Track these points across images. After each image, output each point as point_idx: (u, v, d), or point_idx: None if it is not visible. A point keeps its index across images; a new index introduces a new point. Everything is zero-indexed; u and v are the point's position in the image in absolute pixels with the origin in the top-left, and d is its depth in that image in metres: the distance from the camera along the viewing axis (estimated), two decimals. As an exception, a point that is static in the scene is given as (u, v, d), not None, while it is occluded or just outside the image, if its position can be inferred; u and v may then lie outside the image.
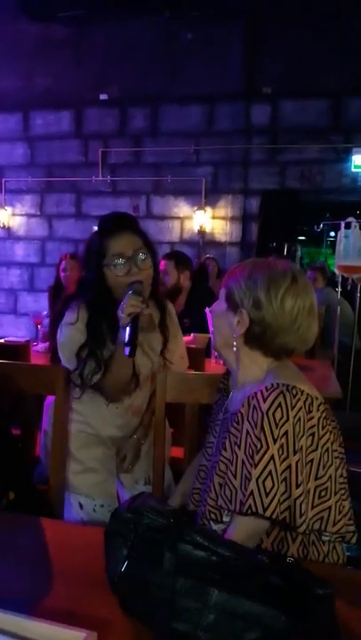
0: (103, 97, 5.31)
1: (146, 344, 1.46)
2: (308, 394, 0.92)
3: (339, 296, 4.20)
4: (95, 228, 1.43)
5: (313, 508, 0.92)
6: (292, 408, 0.88)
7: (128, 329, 1.25)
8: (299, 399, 0.90)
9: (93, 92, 5.32)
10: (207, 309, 1.42)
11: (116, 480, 1.53)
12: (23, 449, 1.56)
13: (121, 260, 1.33)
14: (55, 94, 5.39)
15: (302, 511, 0.88)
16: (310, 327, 0.98)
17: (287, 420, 0.88)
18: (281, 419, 0.88)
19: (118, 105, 5.32)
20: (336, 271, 4.09)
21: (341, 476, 0.96)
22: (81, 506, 1.44)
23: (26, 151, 5.62)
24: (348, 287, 4.08)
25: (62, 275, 3.35)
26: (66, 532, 1.05)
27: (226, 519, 0.98)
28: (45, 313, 3.23)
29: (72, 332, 1.37)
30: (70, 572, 0.87)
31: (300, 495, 0.88)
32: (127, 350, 1.24)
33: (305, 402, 0.90)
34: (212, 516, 1.00)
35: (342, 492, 0.95)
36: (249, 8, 4.79)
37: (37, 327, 3.07)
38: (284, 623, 0.69)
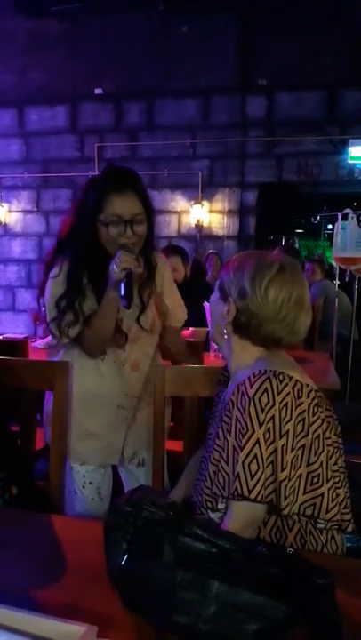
0: (98, 91, 5.28)
1: (136, 297, 1.44)
2: (297, 380, 0.93)
3: (337, 288, 4.20)
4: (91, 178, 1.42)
5: (305, 493, 0.93)
6: (279, 393, 0.90)
7: (123, 283, 1.27)
8: (286, 384, 0.91)
9: (88, 86, 5.29)
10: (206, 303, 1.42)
11: (118, 452, 1.50)
12: (22, 445, 1.56)
13: (117, 221, 1.33)
14: (50, 89, 5.36)
15: (287, 494, 0.90)
16: (298, 318, 0.98)
17: (273, 404, 0.89)
18: (267, 403, 0.89)
19: (114, 99, 5.29)
20: (334, 263, 4.09)
21: (336, 464, 0.97)
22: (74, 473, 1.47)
23: (21, 147, 5.59)
24: (346, 279, 4.08)
25: None
26: (66, 526, 1.05)
27: (221, 506, 0.99)
28: (44, 310, 3.22)
29: (54, 285, 1.39)
30: (70, 566, 0.87)
31: (286, 478, 0.89)
32: (124, 303, 1.28)
33: (293, 387, 0.91)
34: (209, 504, 1.01)
35: (336, 480, 0.96)
36: (244, 0, 4.75)
37: (36, 323, 3.07)
38: (285, 613, 0.69)
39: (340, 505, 0.95)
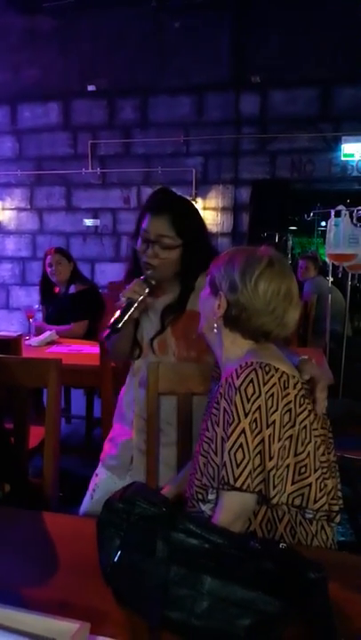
0: (91, 88, 5.26)
1: (152, 310, 1.46)
2: (283, 371, 0.94)
3: (330, 284, 4.22)
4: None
5: (293, 483, 0.94)
6: (265, 384, 0.91)
7: (119, 311, 1.31)
8: (272, 375, 0.92)
9: (81, 83, 5.26)
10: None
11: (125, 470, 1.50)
12: (16, 443, 1.55)
13: (144, 237, 1.38)
14: (43, 86, 5.33)
15: (275, 483, 0.91)
16: (287, 311, 1.00)
17: (259, 395, 0.91)
18: (253, 394, 0.91)
19: (107, 96, 5.27)
20: (327, 260, 4.10)
21: (323, 455, 0.98)
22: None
23: (14, 144, 5.55)
24: (340, 275, 4.10)
25: (48, 270, 3.23)
26: (59, 523, 1.05)
27: (211, 497, 1.00)
28: (37, 307, 3.21)
29: None
30: (63, 563, 0.87)
31: (273, 468, 0.90)
32: (106, 332, 1.32)
33: (280, 379, 0.93)
34: (200, 496, 1.02)
35: (324, 470, 0.97)
36: (237, -4, 4.74)
37: (30, 321, 3.06)
38: (278, 608, 0.69)
39: (328, 495, 0.96)
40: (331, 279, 4.18)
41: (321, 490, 0.95)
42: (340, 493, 1.00)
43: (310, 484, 0.94)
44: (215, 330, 1.05)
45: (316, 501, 0.94)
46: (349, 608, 0.76)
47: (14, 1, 4.99)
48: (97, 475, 1.58)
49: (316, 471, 0.95)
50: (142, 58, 5.04)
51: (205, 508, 1.01)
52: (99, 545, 0.80)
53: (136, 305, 1.33)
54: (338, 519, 0.98)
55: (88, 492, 1.57)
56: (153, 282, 1.35)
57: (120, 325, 1.31)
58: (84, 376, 2.43)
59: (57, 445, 1.40)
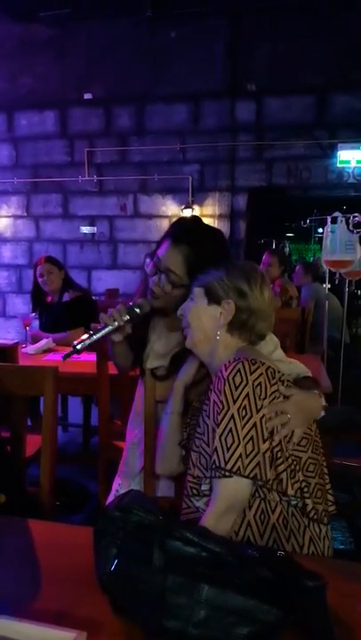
0: (87, 96, 5.29)
1: (163, 341, 1.44)
2: (269, 366, 1.00)
3: (327, 291, 4.23)
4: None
5: (276, 467, 0.97)
6: (252, 373, 0.96)
7: (88, 334, 1.27)
8: (259, 367, 0.97)
9: (78, 91, 5.30)
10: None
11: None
12: (12, 451, 1.55)
13: (155, 263, 1.34)
14: (39, 94, 5.36)
15: (270, 464, 0.95)
16: (273, 314, 1.14)
17: (246, 383, 0.96)
18: (241, 382, 0.96)
19: (103, 104, 5.30)
20: (324, 266, 4.12)
21: (300, 446, 1.01)
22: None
23: (11, 152, 5.58)
24: (336, 282, 4.11)
25: (40, 280, 3.19)
26: (55, 533, 1.04)
27: (204, 488, 1.03)
28: (34, 315, 3.20)
29: None
30: (60, 572, 0.87)
31: (268, 450, 0.95)
32: (62, 354, 1.31)
33: (266, 370, 0.98)
34: (194, 491, 1.05)
35: (294, 461, 0.99)
36: (232, 5, 4.79)
37: (26, 329, 3.05)
38: (276, 617, 0.69)
39: (299, 483, 0.99)
40: (328, 286, 4.19)
41: (293, 477, 0.98)
42: (319, 493, 1.02)
43: (286, 470, 0.98)
44: (217, 337, 1.09)
45: (292, 486, 0.98)
46: (348, 616, 0.75)
47: (10, 10, 5.02)
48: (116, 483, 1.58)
49: (287, 459, 0.98)
50: (138, 66, 5.08)
51: (200, 503, 1.03)
52: (95, 554, 0.79)
53: (107, 331, 1.28)
54: (315, 516, 1.00)
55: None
56: (138, 311, 1.30)
57: (80, 347, 1.26)
58: (81, 384, 2.42)
59: (54, 454, 1.40)
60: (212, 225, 1.55)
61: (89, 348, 1.28)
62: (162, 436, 1.24)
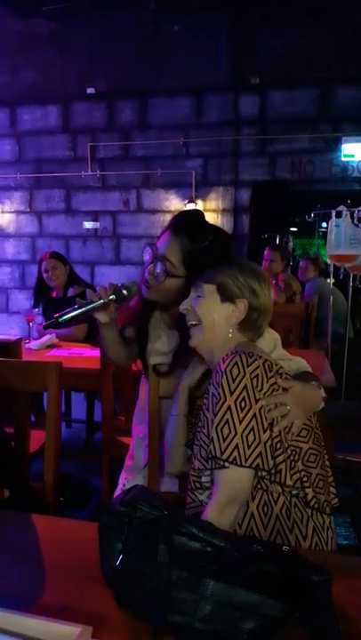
0: (90, 91, 5.26)
1: (166, 335, 1.44)
2: (267, 359, 1.01)
3: (331, 286, 4.21)
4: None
5: (274, 458, 0.97)
6: (249, 365, 0.97)
7: (73, 307, 1.27)
8: (256, 360, 0.98)
9: (80, 85, 5.27)
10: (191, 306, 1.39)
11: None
12: (16, 447, 1.55)
13: (153, 252, 1.33)
14: (41, 89, 5.34)
15: (271, 453, 0.96)
16: None
17: (244, 375, 0.96)
18: (238, 374, 0.96)
19: (106, 98, 5.28)
20: (328, 261, 4.10)
21: (300, 436, 1.02)
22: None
23: (13, 147, 5.56)
24: (341, 276, 4.09)
25: (45, 275, 3.21)
26: (60, 527, 1.04)
27: (205, 479, 1.03)
28: (37, 310, 3.21)
29: None
30: (65, 567, 0.87)
31: (268, 439, 0.95)
32: (44, 323, 1.31)
33: (263, 363, 0.99)
34: (196, 484, 1.05)
35: (294, 451, 1.00)
36: (235, -2, 4.75)
37: (29, 324, 3.05)
38: (281, 611, 0.69)
39: (299, 474, 0.99)
40: (332, 280, 4.17)
41: (292, 468, 0.99)
42: (321, 483, 1.02)
43: (285, 461, 0.98)
44: (230, 334, 1.09)
45: (291, 477, 0.98)
46: (353, 611, 0.75)
47: (13, 4, 5.00)
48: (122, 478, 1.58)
49: (286, 450, 0.99)
50: (141, 60, 5.05)
51: (203, 497, 1.04)
52: (100, 549, 0.79)
53: (90, 307, 1.27)
54: (316, 506, 1.00)
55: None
56: (125, 292, 1.29)
57: (61, 320, 1.26)
58: (84, 379, 2.43)
59: (57, 449, 1.40)
60: (215, 221, 1.55)
61: (71, 323, 1.28)
62: (168, 437, 1.24)
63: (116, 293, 1.29)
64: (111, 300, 1.29)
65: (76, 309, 1.27)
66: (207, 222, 1.38)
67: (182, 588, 0.70)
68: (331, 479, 1.07)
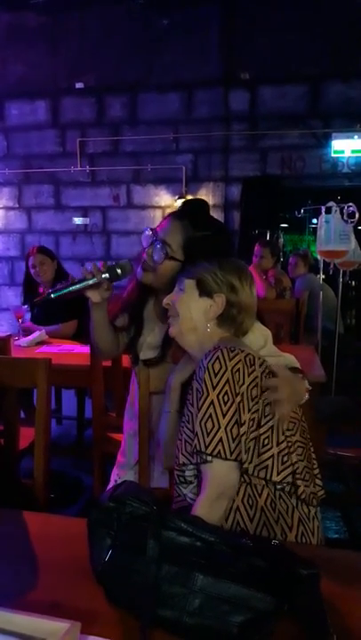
0: (79, 85, 5.22)
1: (156, 322, 1.43)
2: (248, 352, 1.01)
3: (321, 281, 4.23)
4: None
5: (259, 455, 0.98)
6: (230, 360, 0.98)
7: (64, 284, 1.27)
8: (237, 354, 0.99)
9: (69, 80, 5.22)
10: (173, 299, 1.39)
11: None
12: (6, 444, 1.54)
13: (150, 233, 1.33)
14: (30, 83, 5.28)
15: (246, 449, 0.96)
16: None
17: (225, 370, 0.97)
18: (220, 369, 0.97)
19: (95, 93, 5.24)
20: (318, 257, 4.11)
21: (294, 436, 1.03)
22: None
23: (2, 142, 5.50)
24: (331, 272, 4.11)
25: (32, 271, 3.16)
26: (49, 523, 1.04)
27: (188, 474, 1.04)
28: (26, 307, 3.18)
29: None
30: (54, 563, 0.86)
31: (245, 434, 0.96)
32: (40, 297, 1.31)
33: (245, 357, 1.00)
34: (181, 479, 1.06)
35: (289, 444, 1.01)
36: (225, -8, 4.73)
37: (19, 321, 3.03)
38: (271, 604, 0.69)
39: (293, 467, 1.00)
40: (322, 276, 4.19)
41: (283, 463, 0.99)
42: (307, 476, 1.03)
43: (272, 456, 0.98)
44: (208, 329, 1.10)
45: (278, 473, 0.98)
46: (342, 604, 0.75)
47: (0, -3, 4.94)
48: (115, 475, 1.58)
49: (279, 444, 0.99)
50: (131, 55, 5.02)
51: (186, 491, 1.05)
52: (90, 545, 0.79)
53: (84, 285, 1.27)
54: (303, 495, 1.01)
55: None
56: (119, 271, 1.29)
57: (54, 296, 1.26)
58: (74, 376, 2.41)
59: (47, 446, 1.39)
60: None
61: (63, 298, 1.28)
62: (162, 434, 1.25)
63: (109, 272, 1.29)
64: (105, 278, 1.28)
65: (69, 286, 1.26)
66: (210, 214, 1.39)
67: (171, 582, 0.70)
68: (316, 471, 1.08)
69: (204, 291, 1.10)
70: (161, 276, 1.32)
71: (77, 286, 1.27)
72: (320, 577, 0.71)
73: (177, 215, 1.33)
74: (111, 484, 1.55)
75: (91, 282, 1.27)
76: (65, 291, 1.26)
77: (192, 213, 1.33)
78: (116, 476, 1.56)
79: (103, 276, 1.28)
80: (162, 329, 1.42)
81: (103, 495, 0.80)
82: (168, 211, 5.20)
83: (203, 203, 1.43)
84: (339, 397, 3.51)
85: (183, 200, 1.39)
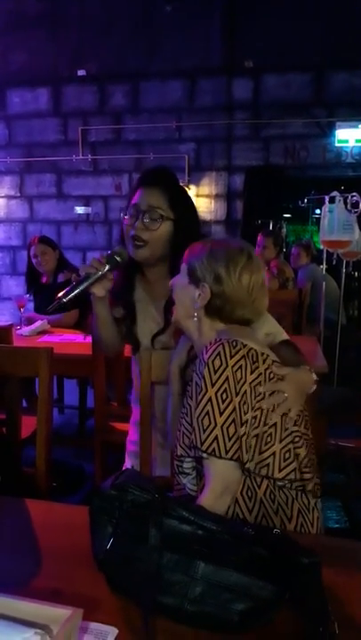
0: (81, 73, 5.17)
1: (151, 303, 1.43)
2: (251, 347, 0.98)
3: (324, 272, 4.21)
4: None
5: (260, 453, 0.97)
6: (232, 357, 0.96)
7: (70, 286, 1.26)
8: (240, 350, 0.96)
9: (71, 68, 5.17)
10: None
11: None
12: (8, 432, 1.54)
13: (132, 211, 1.33)
14: (32, 71, 5.23)
15: (247, 449, 0.95)
16: (263, 300, 1.09)
17: (226, 367, 0.95)
18: (220, 366, 0.95)
19: (97, 81, 5.19)
20: (321, 247, 4.09)
21: (299, 430, 1.01)
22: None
23: (3, 131, 5.47)
24: (334, 262, 4.09)
25: (34, 261, 3.18)
26: (51, 511, 1.04)
27: (186, 466, 1.04)
28: (28, 296, 3.18)
29: None
30: (56, 551, 0.87)
31: (245, 434, 0.94)
32: (51, 307, 1.26)
33: (248, 353, 0.97)
34: (179, 469, 1.06)
35: (296, 439, 1.00)
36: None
37: (20, 311, 3.03)
38: (271, 593, 0.69)
39: (297, 463, 0.99)
40: (325, 267, 4.17)
41: (286, 460, 0.98)
42: (301, 460, 1.01)
43: (274, 453, 0.97)
44: (195, 318, 1.08)
45: (280, 470, 0.97)
46: (343, 593, 0.76)
47: (1, -17, 4.87)
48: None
49: (281, 441, 0.98)
50: (133, 42, 4.96)
51: (185, 480, 1.05)
52: (91, 533, 0.79)
53: (91, 281, 1.27)
54: (310, 487, 1.01)
55: None
56: (118, 258, 1.29)
57: (66, 300, 1.24)
58: (76, 366, 2.42)
59: (49, 435, 1.39)
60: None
61: (74, 302, 1.27)
62: (168, 419, 1.25)
63: (109, 262, 1.29)
64: (108, 269, 1.28)
65: (76, 286, 1.26)
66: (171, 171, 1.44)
67: (173, 570, 0.71)
68: (311, 452, 1.06)
69: (193, 278, 1.08)
70: (157, 243, 1.33)
71: (85, 284, 1.27)
72: (321, 565, 0.71)
73: (147, 183, 1.35)
74: None
75: (97, 276, 1.27)
76: (75, 292, 1.25)
77: (160, 176, 1.37)
78: (131, 466, 1.56)
79: (106, 267, 1.28)
80: (158, 307, 1.42)
81: (105, 483, 0.80)
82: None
83: (164, 167, 1.46)
84: (341, 388, 3.52)
85: (144, 171, 1.42)
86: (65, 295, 1.24)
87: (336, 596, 0.74)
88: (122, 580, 0.75)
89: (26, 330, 2.82)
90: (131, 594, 0.73)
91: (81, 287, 1.26)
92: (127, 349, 1.58)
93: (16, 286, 5.43)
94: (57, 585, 0.77)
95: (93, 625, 0.69)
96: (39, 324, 2.87)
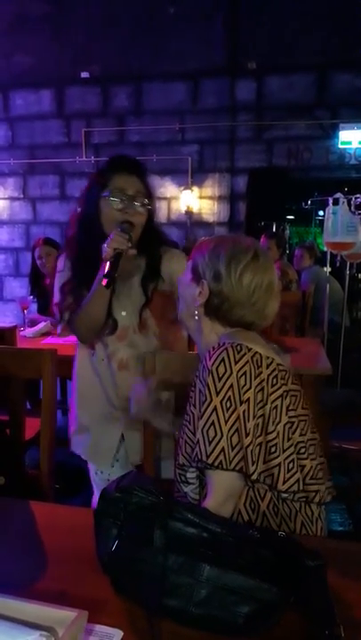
0: (84, 75, 5.18)
1: (127, 284, 1.43)
2: (256, 351, 0.95)
3: (328, 274, 4.20)
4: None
5: (264, 462, 0.94)
6: (236, 362, 0.93)
7: (109, 262, 1.26)
8: (244, 354, 0.93)
9: (74, 69, 5.18)
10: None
11: (110, 453, 1.50)
12: (12, 434, 1.54)
13: (120, 195, 1.35)
14: (35, 73, 5.24)
15: (253, 459, 0.92)
16: (268, 303, 1.03)
17: (230, 373, 0.92)
18: (224, 373, 0.92)
19: (100, 83, 5.20)
20: (325, 249, 4.08)
21: (303, 434, 0.99)
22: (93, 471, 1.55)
23: (6, 132, 5.48)
24: (337, 264, 4.08)
25: (38, 262, 3.19)
26: (56, 513, 1.04)
27: (190, 476, 1.01)
28: (32, 298, 3.18)
29: (59, 278, 1.44)
30: (61, 553, 0.87)
31: (250, 444, 0.92)
32: (105, 281, 1.26)
33: (252, 358, 0.94)
34: (181, 477, 1.03)
35: (301, 450, 0.97)
36: (232, -20, 4.66)
37: (24, 312, 3.03)
38: (277, 596, 0.69)
39: (301, 474, 0.96)
40: (328, 269, 4.17)
41: (290, 471, 0.95)
42: (320, 473, 1.00)
43: (279, 465, 0.95)
44: (196, 317, 1.06)
45: (284, 482, 0.95)
46: (348, 596, 0.75)
47: (5, -15, 4.89)
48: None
49: (284, 451, 0.95)
50: (136, 43, 4.97)
51: (188, 489, 1.03)
52: (96, 535, 0.79)
53: (122, 252, 1.29)
54: (317, 499, 0.98)
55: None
56: (129, 231, 1.32)
57: (115, 275, 1.26)
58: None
59: (53, 437, 1.39)
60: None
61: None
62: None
63: (129, 238, 1.31)
64: (130, 245, 1.31)
65: (117, 262, 1.27)
66: None
67: (178, 572, 0.71)
68: (321, 460, 1.04)
69: (195, 275, 1.05)
70: (140, 229, 1.38)
71: (120, 259, 1.28)
72: (326, 568, 0.71)
73: (129, 169, 1.39)
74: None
75: (127, 246, 1.29)
76: (115, 269, 1.27)
77: (137, 165, 1.42)
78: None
79: (129, 244, 1.31)
80: (132, 285, 1.44)
81: (109, 485, 0.80)
82: (174, 202, 5.18)
83: (127, 155, 1.49)
84: (344, 390, 3.51)
85: (112, 158, 1.43)
86: (109, 273, 1.25)
87: (342, 598, 0.74)
88: (127, 582, 0.74)
89: (29, 331, 2.82)
90: (136, 596, 0.73)
91: (119, 262, 1.28)
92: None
93: (19, 288, 5.43)
94: (62, 587, 0.77)
95: (98, 627, 0.69)
96: (42, 325, 2.87)
